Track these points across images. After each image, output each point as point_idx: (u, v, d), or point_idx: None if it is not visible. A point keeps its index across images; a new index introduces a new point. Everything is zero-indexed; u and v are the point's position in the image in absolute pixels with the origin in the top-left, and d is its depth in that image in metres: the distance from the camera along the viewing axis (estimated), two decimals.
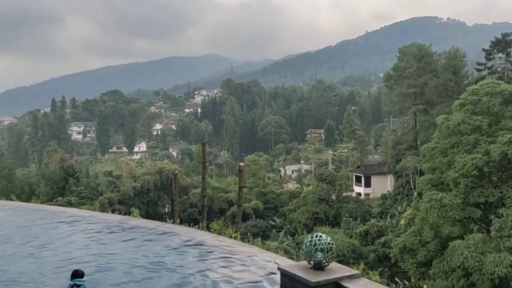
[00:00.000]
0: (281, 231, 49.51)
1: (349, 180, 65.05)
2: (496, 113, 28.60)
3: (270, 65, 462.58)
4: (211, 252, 8.50)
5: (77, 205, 46.63)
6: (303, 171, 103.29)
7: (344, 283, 5.78)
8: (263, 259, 7.96)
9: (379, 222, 45.77)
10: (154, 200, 64.79)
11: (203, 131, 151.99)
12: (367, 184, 65.12)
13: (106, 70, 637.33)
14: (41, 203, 40.98)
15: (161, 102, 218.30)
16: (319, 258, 5.90)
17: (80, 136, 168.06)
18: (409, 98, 60.75)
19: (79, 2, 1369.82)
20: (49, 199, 52.53)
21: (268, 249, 9.30)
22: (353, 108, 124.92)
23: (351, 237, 43.26)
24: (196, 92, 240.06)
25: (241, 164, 18.67)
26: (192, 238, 9.42)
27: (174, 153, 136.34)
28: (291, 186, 77.38)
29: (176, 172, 20.64)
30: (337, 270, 6.01)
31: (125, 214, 15.74)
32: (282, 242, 40.37)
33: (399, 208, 49.27)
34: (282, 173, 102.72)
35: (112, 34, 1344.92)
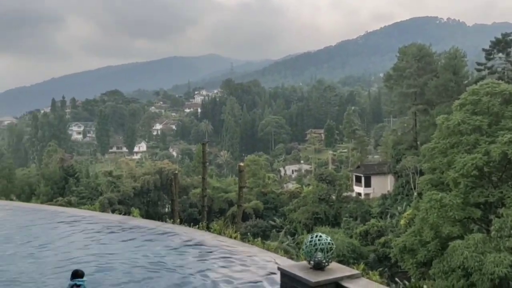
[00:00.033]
0: (281, 231, 49.52)
1: (349, 180, 65.08)
2: (496, 113, 28.61)
3: (270, 65, 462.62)
4: (211, 252, 8.50)
5: (77, 205, 46.62)
6: (303, 171, 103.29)
7: (344, 283, 5.78)
8: (263, 259, 7.96)
9: (379, 222, 45.77)
10: (154, 200, 64.79)
11: (203, 131, 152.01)
12: (367, 184, 65.12)
13: (106, 70, 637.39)
14: (41, 203, 40.98)
15: (161, 102, 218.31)
16: (319, 258, 5.90)
17: (80, 136, 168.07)
18: (409, 98, 60.75)
19: (79, 2, 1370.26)
20: (49, 199, 52.53)
21: (268, 249, 9.30)
22: (353, 108, 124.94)
23: (351, 237, 43.27)
24: (196, 92, 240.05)
25: (241, 164, 18.68)
26: (192, 238, 9.42)
27: (174, 153, 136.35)
28: (291, 186, 77.38)
29: (176, 172, 20.65)
30: (337, 270, 6.01)
31: (125, 214, 15.74)
32: (282, 242, 40.38)
33: (399, 208, 49.27)
34: (282, 173, 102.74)
35: (112, 34, 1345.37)
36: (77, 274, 6.61)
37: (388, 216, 49.19)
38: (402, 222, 39.11)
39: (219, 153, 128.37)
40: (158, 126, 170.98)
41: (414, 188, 49.41)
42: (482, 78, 50.67)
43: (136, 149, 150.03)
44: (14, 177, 62.05)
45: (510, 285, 23.80)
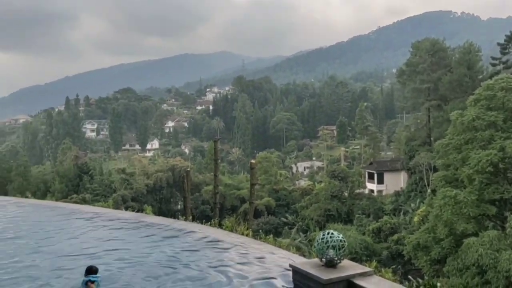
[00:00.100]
0: (293, 228, 49.50)
1: (361, 177, 64.68)
2: (511, 109, 28.16)
3: (282, 61, 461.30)
4: (225, 248, 8.55)
5: (91, 202, 47.19)
6: (315, 168, 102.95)
7: (356, 281, 5.76)
8: (277, 256, 7.98)
9: (392, 219, 45.47)
10: (166, 197, 65.28)
11: (215, 128, 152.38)
12: (380, 181, 64.69)
13: (118, 68, 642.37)
14: (56, 200, 41.55)
15: (173, 100, 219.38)
16: (331, 256, 5.89)
17: (93, 134, 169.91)
18: (422, 94, 60.10)
19: (92, 0, 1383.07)
20: (64, 197, 53.26)
21: (280, 246, 9.31)
22: (365, 104, 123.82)
23: (363, 234, 43.07)
24: (207, 89, 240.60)
25: (253, 161, 18.70)
26: (206, 235, 9.48)
27: (186, 150, 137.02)
28: (303, 183, 77.22)
29: (188, 169, 20.77)
30: (349, 267, 6.00)
31: (138, 211, 15.89)
32: (294, 239, 40.38)
33: (412, 205, 48.89)
34: (294, 170, 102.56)
35: (124, 32, 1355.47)
36: (91, 271, 6.70)
37: (401, 213, 48.83)
38: (415, 219, 38.81)
39: (231, 150, 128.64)
40: (170, 124, 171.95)
41: (428, 185, 48.95)
42: (497, 72, 49.93)
43: (148, 146, 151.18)
44: (29, 175, 62.95)
45: None
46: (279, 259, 7.72)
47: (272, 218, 53.67)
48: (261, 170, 60.62)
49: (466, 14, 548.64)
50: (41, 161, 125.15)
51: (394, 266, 28.17)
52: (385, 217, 46.02)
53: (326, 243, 5.91)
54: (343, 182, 54.05)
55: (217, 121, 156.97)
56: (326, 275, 5.72)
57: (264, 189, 60.08)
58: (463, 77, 55.05)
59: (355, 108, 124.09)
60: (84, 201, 47.24)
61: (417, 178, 54.02)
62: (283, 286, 6.47)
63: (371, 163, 71.00)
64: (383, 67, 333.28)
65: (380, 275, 7.22)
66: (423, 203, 42.43)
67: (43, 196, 52.87)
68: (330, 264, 5.94)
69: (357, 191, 56.11)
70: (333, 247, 5.89)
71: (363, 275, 5.89)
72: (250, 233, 10.15)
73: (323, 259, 5.97)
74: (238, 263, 7.63)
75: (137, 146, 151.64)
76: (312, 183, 70.08)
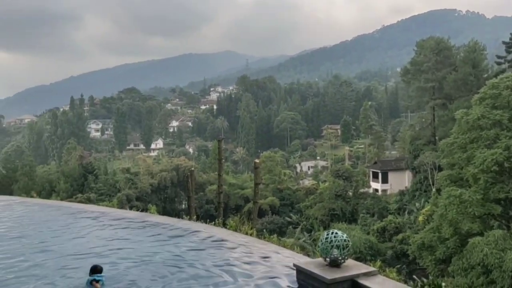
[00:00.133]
0: (297, 227, 49.47)
1: (366, 176, 64.62)
2: None
3: (286, 60, 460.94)
4: (230, 248, 8.56)
5: (96, 201, 47.40)
6: (319, 167, 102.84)
7: (361, 281, 5.75)
8: (282, 255, 7.99)
9: (397, 218, 45.35)
10: (171, 196, 65.42)
11: (219, 127, 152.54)
12: (384, 180, 64.54)
13: (123, 68, 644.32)
14: (61, 200, 41.77)
15: (177, 99, 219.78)
16: (335, 255, 5.88)
17: (98, 134, 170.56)
18: (427, 93, 59.89)
19: (96, 0, 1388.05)
20: (69, 196, 53.51)
21: (284, 246, 9.32)
22: (369, 103, 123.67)
23: (368, 233, 42.95)
24: (211, 89, 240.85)
25: (257, 160, 18.68)
26: (211, 234, 9.50)
27: (191, 150, 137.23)
28: (307, 182, 77.14)
29: (193, 169, 20.78)
30: (353, 267, 5.99)
31: (142, 210, 15.94)
32: (299, 239, 40.36)
33: (417, 204, 48.74)
34: (298, 169, 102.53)
35: (128, 32, 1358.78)
36: (96, 270, 6.73)
37: (406, 212, 48.69)
38: (420, 218, 38.69)
39: (235, 150, 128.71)
40: (174, 123, 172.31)
41: (433, 184, 48.79)
42: (502, 71, 49.66)
43: (153, 146, 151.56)
44: (34, 174, 63.26)
45: None
46: (284, 259, 7.73)
47: (276, 217, 53.67)
48: (265, 169, 60.59)
49: (471, 13, 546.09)
50: (46, 160, 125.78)
51: (398, 266, 28.10)
52: (390, 217, 45.90)
53: (330, 243, 5.91)
54: (348, 182, 53.96)
55: (221, 120, 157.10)
56: (330, 275, 5.71)
57: (268, 189, 60.07)
58: (468, 75, 54.80)
59: (359, 107, 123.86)
60: (89, 201, 47.47)
61: (422, 177, 53.84)
62: (288, 285, 6.48)
63: (375, 162, 70.86)
64: (388, 66, 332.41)
65: (384, 275, 7.20)
66: (427, 202, 42.31)
67: (48, 196, 53.10)
68: (334, 264, 5.93)
69: (362, 190, 56.00)
70: (337, 247, 5.88)
71: (367, 274, 5.88)
72: (254, 233, 10.16)
73: (327, 259, 5.97)
74: (243, 263, 7.64)
75: (142, 146, 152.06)
76: (316, 182, 70.02)
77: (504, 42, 61.50)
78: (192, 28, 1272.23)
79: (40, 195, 47.55)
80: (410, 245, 32.17)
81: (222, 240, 9.07)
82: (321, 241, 6.03)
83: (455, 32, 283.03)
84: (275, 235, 10.90)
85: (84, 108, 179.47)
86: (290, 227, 50.86)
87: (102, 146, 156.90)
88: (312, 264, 6.18)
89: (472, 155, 27.36)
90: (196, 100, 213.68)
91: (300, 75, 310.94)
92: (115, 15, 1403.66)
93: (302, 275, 6.14)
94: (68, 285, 6.90)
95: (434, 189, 44.64)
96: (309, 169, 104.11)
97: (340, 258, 5.92)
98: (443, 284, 7.12)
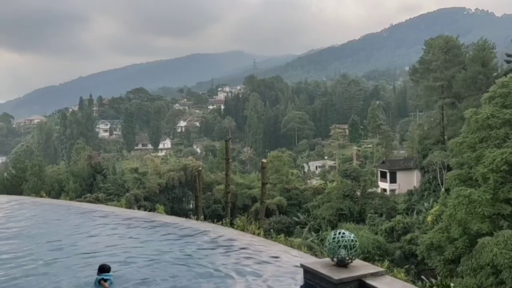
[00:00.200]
0: (305, 227, 49.40)
1: (374, 176, 64.27)
2: None
3: (293, 60, 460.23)
4: (239, 247, 8.60)
5: (105, 201, 47.72)
6: (327, 167, 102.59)
7: (368, 281, 5.74)
8: (291, 255, 8.02)
9: (405, 218, 45.10)
10: (179, 196, 65.62)
11: (226, 127, 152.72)
12: (393, 180, 64.22)
13: (131, 68, 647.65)
14: (70, 199, 42.07)
15: (185, 99, 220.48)
16: (342, 255, 5.88)
17: (106, 134, 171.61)
18: (436, 92, 59.47)
19: (104, 1, 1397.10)
20: (78, 196, 53.91)
21: (291, 246, 9.33)
22: (378, 102, 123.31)
23: (376, 233, 42.75)
24: (219, 89, 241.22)
25: (264, 160, 18.71)
26: (220, 234, 9.55)
27: (198, 150, 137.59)
28: (315, 182, 76.96)
29: (200, 168, 20.85)
30: (360, 267, 5.98)
31: (150, 210, 16.03)
32: (306, 239, 40.31)
33: (425, 204, 48.44)
34: (306, 169, 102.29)
35: (136, 32, 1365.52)
36: (104, 269, 6.79)
37: (415, 212, 48.41)
38: (429, 218, 38.46)
39: (242, 150, 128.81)
40: (182, 123, 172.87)
41: (442, 184, 48.46)
42: None
43: (161, 146, 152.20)
44: (44, 174, 63.79)
45: None
46: (292, 258, 7.75)
47: (283, 217, 53.60)
48: (273, 169, 60.52)
49: (480, 11, 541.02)
50: (55, 160, 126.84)
51: (407, 266, 27.99)
52: (398, 217, 45.66)
53: (337, 243, 5.91)
54: (355, 181, 53.75)
55: (229, 120, 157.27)
56: (337, 275, 5.71)
57: (275, 188, 60.02)
58: (477, 74, 54.32)
59: (367, 107, 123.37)
60: (98, 200, 47.81)
61: (431, 177, 53.48)
62: (295, 285, 6.50)
63: (383, 162, 70.53)
64: (396, 65, 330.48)
65: (392, 275, 7.19)
66: (436, 202, 42.02)
67: (57, 196, 53.51)
68: (342, 264, 5.93)
69: (370, 190, 55.76)
70: (345, 247, 5.88)
71: (374, 275, 5.87)
72: (262, 232, 10.18)
73: (335, 259, 5.97)
74: (252, 262, 7.68)
75: (150, 146, 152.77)
76: (324, 182, 69.84)
77: None
78: (200, 28, 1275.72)
79: (49, 195, 47.90)
80: (419, 245, 32.00)
81: (232, 240, 9.11)
82: (329, 241, 6.03)
83: (464, 30, 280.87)
84: (282, 235, 10.92)
85: (93, 109, 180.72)
86: (298, 227, 50.77)
87: (111, 146, 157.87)
88: (319, 264, 6.18)
89: (482, 154, 27.15)
90: (204, 100, 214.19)
91: (307, 75, 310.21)
92: (124, 15, 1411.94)
93: (309, 275, 6.14)
94: (77, 284, 6.97)
95: (443, 189, 44.37)
96: (316, 169, 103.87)
97: (347, 258, 5.92)
98: (452, 284, 7.09)
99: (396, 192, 61.76)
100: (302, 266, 6.39)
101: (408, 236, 39.47)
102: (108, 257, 8.06)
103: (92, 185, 62.31)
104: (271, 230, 39.61)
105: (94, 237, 9.77)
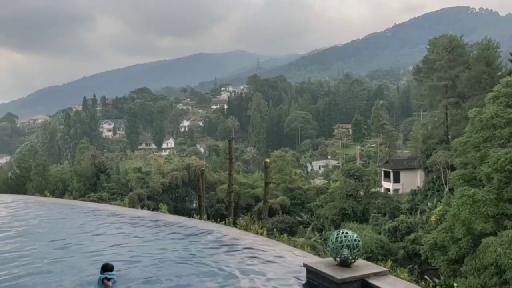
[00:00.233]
0: (308, 227, 49.36)
1: (377, 176, 64.16)
2: None
3: (297, 60, 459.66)
4: (243, 247, 8.62)
5: (108, 200, 47.85)
6: (330, 166, 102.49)
7: (371, 280, 5.75)
8: (295, 254, 8.04)
9: (409, 218, 44.98)
10: (182, 195, 65.73)
11: (230, 127, 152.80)
12: (396, 180, 64.07)
13: (135, 68, 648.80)
14: (74, 199, 42.24)
15: (188, 99, 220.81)
16: (345, 255, 5.89)
17: (110, 133, 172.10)
18: (439, 91, 59.29)
19: (108, 1, 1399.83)
20: (82, 195, 54.10)
21: (295, 245, 9.35)
22: (381, 102, 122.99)
23: (379, 233, 42.65)
24: (222, 89, 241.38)
25: (267, 160, 18.72)
26: (224, 234, 9.57)
27: (202, 149, 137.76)
28: (318, 181, 76.91)
29: (203, 168, 20.90)
30: (363, 267, 5.99)
31: (153, 209, 16.08)
32: (309, 238, 40.29)
33: (429, 204, 48.31)
34: (309, 168, 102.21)
35: (140, 32, 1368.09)
36: (107, 268, 6.82)
37: (418, 212, 48.29)
38: (432, 218, 38.36)
39: (246, 149, 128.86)
40: (185, 123, 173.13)
41: (445, 184, 48.33)
42: None
43: (164, 145, 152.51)
44: (48, 174, 64.03)
45: None
46: (296, 258, 7.77)
47: (286, 217, 53.58)
48: (276, 169, 60.50)
49: (484, 10, 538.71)
50: (59, 160, 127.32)
51: (410, 266, 27.92)
52: (401, 216, 45.53)
53: (340, 243, 5.92)
54: (359, 181, 53.65)
55: (232, 120, 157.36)
56: (340, 275, 5.72)
57: (278, 188, 59.99)
58: (482, 74, 54.10)
59: (370, 107, 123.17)
60: (101, 200, 47.95)
61: (434, 176, 53.33)
62: (298, 285, 6.51)
63: (387, 162, 70.39)
64: (400, 65, 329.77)
65: (395, 275, 7.19)
66: (440, 202, 41.91)
67: (61, 195, 53.71)
68: (345, 264, 5.94)
69: (373, 190, 55.64)
70: (348, 247, 5.89)
71: (377, 274, 5.87)
72: (265, 232, 10.20)
73: (337, 259, 5.98)
74: (256, 262, 7.70)
75: (153, 145, 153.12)
76: (327, 182, 69.76)
77: None
78: (203, 28, 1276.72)
79: (53, 194, 48.12)
80: (422, 245, 31.93)
81: (235, 239, 9.14)
82: (332, 240, 6.04)
83: (468, 29, 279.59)
84: (285, 235, 10.94)
85: (97, 108, 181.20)
86: (301, 226, 50.73)
87: (114, 145, 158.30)
88: (322, 263, 6.20)
89: (486, 154, 27.06)
90: (207, 100, 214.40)
91: (311, 74, 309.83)
92: (127, 15, 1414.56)
93: (312, 274, 6.16)
94: (80, 283, 7.01)
95: (446, 189, 44.24)
96: (320, 169, 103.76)
97: (350, 257, 5.93)
98: (455, 284, 7.09)
99: (400, 191, 61.63)
100: (305, 265, 6.40)
101: (412, 236, 39.37)
102: (112, 256, 8.09)
103: (95, 185, 62.51)
104: (274, 229, 39.47)
105: (99, 236, 9.81)
